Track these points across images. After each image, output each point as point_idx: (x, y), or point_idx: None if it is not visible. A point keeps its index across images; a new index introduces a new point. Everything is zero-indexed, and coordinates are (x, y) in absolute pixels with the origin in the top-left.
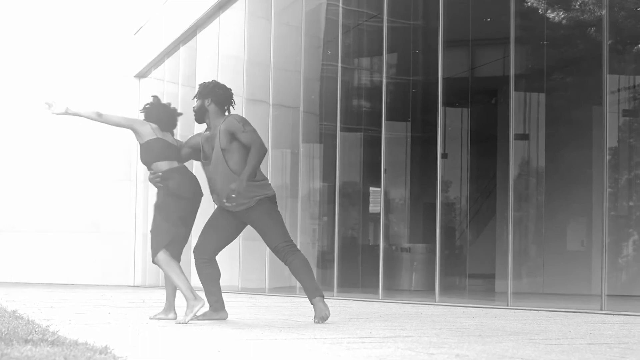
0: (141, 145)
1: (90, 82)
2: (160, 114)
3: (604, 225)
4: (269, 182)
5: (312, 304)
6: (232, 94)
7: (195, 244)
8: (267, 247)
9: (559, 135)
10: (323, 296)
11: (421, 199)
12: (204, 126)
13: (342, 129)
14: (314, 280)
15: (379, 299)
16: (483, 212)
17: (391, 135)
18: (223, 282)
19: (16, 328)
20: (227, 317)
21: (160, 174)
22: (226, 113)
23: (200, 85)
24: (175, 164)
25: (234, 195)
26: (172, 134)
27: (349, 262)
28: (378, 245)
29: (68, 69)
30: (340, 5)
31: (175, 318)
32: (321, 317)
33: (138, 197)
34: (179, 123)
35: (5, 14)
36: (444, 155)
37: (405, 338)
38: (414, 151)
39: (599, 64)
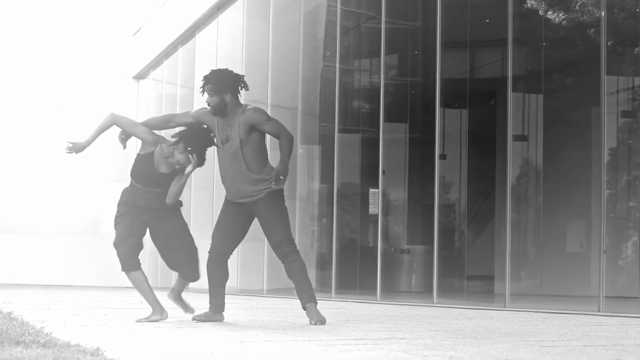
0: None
1: (88, 83)
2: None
3: (602, 227)
4: None
5: (304, 309)
6: (242, 76)
7: (211, 246)
8: (268, 245)
9: (557, 137)
10: (316, 303)
11: (420, 201)
12: None
13: (340, 130)
14: (310, 285)
15: (376, 300)
16: (482, 214)
17: (390, 136)
18: None
19: (9, 330)
20: (223, 319)
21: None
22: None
23: (211, 79)
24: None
25: (281, 177)
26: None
27: (347, 264)
28: (377, 247)
29: (66, 70)
30: (339, 6)
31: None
32: (319, 320)
33: None
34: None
35: (4, 15)
36: (443, 157)
37: (400, 340)
38: (413, 152)
39: (598, 65)
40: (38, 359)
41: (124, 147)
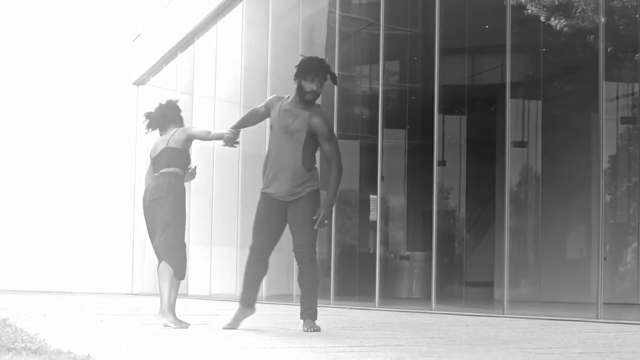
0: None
1: (88, 90)
2: (164, 112)
3: (600, 233)
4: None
5: (301, 319)
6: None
7: (252, 242)
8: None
9: (557, 143)
10: (315, 319)
11: (420, 207)
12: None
13: (339, 137)
14: (315, 300)
15: (375, 307)
16: (482, 220)
17: (389, 142)
18: (220, 290)
19: (1, 336)
20: (254, 312)
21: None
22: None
23: (324, 69)
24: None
25: (326, 222)
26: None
27: (346, 270)
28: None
29: (67, 76)
30: (337, 12)
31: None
32: (312, 327)
33: (136, 206)
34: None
35: (5, 21)
36: (443, 163)
37: (395, 347)
38: (412, 159)
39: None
40: None
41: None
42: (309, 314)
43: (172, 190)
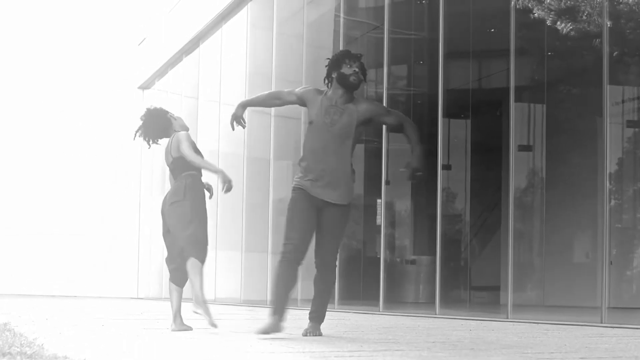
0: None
1: (94, 93)
2: (157, 121)
3: (605, 237)
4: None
5: (309, 320)
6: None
7: (285, 240)
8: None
9: (563, 147)
10: (320, 322)
11: (426, 211)
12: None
13: None
14: (325, 304)
15: (379, 311)
16: (489, 224)
17: (394, 146)
18: (224, 294)
19: None
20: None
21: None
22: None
23: (353, 54)
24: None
25: (418, 174)
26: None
27: (351, 275)
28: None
29: (72, 80)
30: (342, 16)
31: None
32: (312, 332)
33: (142, 211)
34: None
35: (12, 25)
36: (448, 167)
37: (396, 351)
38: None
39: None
40: None
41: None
42: (313, 317)
43: (188, 191)
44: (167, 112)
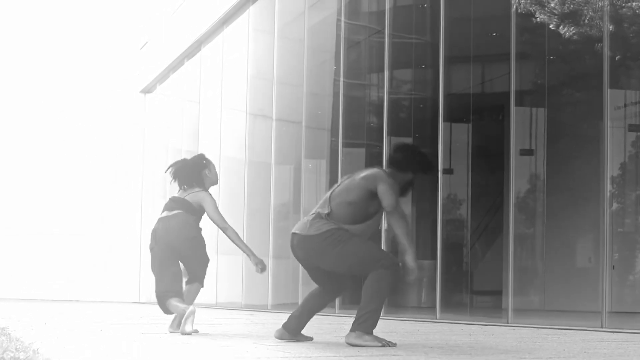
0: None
1: (96, 97)
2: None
3: (605, 241)
4: None
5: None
6: None
7: None
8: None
9: (565, 151)
10: (355, 330)
11: (428, 216)
12: None
13: (345, 145)
14: (366, 309)
15: (380, 316)
16: (491, 229)
17: None
18: (225, 298)
19: None
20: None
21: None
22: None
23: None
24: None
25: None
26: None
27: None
28: None
29: (74, 84)
30: (343, 20)
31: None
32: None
33: (143, 217)
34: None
35: (14, 29)
36: (450, 171)
37: (393, 356)
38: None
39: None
40: None
41: None
42: (355, 325)
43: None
44: (204, 166)
